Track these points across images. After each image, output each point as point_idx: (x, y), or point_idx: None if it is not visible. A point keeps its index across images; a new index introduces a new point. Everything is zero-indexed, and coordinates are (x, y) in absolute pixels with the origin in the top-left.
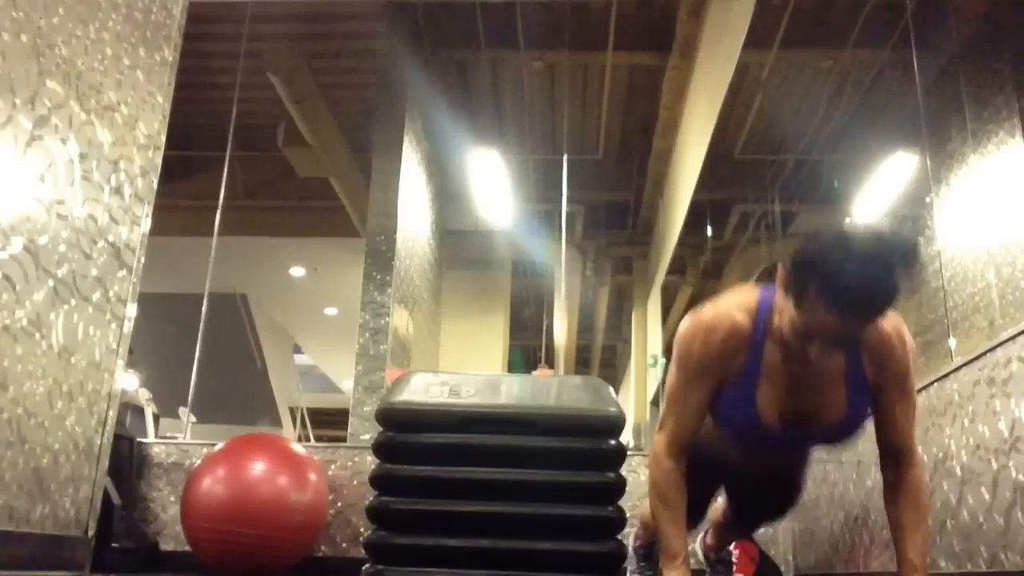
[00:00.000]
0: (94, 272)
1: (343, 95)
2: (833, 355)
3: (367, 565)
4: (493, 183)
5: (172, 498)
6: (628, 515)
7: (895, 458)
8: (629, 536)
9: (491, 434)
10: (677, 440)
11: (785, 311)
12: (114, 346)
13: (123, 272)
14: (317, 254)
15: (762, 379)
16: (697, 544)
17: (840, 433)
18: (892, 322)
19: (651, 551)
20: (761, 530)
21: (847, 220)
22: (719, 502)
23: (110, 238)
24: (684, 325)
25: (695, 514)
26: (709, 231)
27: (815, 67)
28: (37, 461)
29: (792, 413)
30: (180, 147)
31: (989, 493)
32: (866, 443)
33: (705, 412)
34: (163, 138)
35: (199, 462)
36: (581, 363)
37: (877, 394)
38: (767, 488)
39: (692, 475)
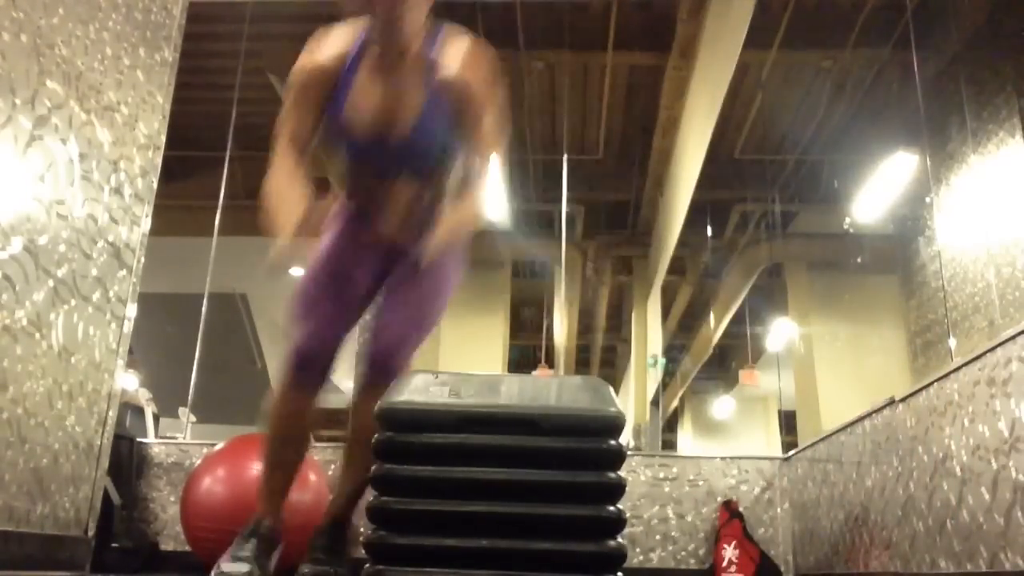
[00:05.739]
0: (94, 272)
1: None
2: (409, 65)
3: (367, 565)
4: (493, 183)
5: (172, 498)
6: (628, 515)
7: (466, 173)
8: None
9: (491, 434)
10: (290, 140)
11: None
12: (114, 346)
13: (123, 272)
14: None
15: (354, 88)
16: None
17: (414, 144)
18: (467, 41)
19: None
20: (761, 530)
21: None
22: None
23: (110, 238)
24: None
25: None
26: (709, 231)
27: (815, 67)
28: (37, 461)
29: (374, 120)
30: (180, 147)
31: (989, 493)
32: (865, 443)
33: (312, 118)
34: (163, 138)
35: (199, 462)
36: (581, 363)
37: (459, 106)
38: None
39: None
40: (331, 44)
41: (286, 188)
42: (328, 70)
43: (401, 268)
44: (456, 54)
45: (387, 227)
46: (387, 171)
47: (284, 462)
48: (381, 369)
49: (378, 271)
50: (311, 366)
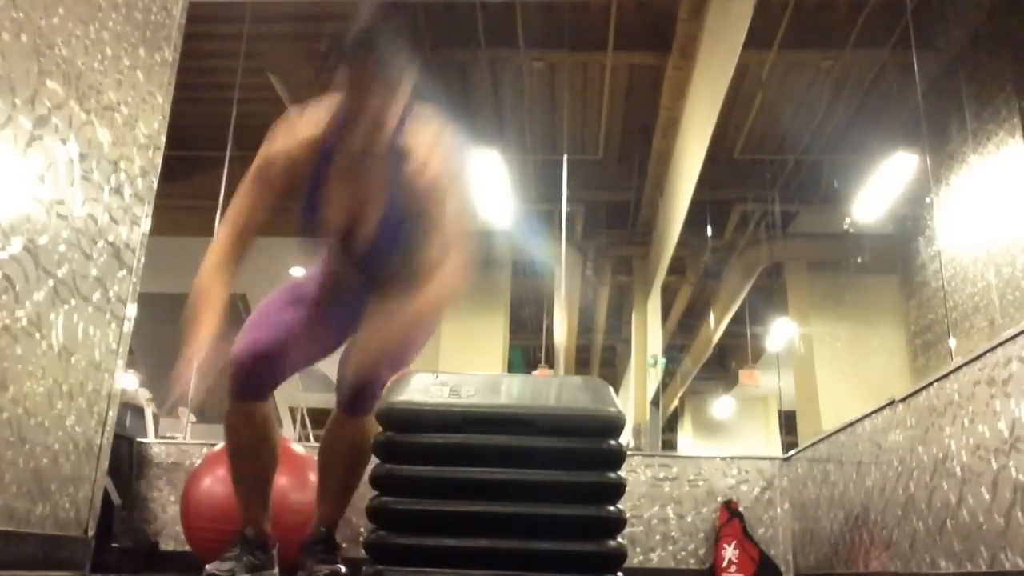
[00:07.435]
0: (94, 272)
1: None
2: (379, 157)
3: (367, 565)
4: (493, 183)
5: (172, 498)
6: (628, 515)
7: (442, 252)
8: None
9: (491, 434)
10: (239, 230)
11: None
12: (114, 346)
13: (123, 272)
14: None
15: (326, 182)
16: None
17: (380, 238)
18: (434, 127)
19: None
20: (761, 530)
21: (847, 219)
22: None
23: (110, 238)
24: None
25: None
26: (709, 231)
27: (815, 67)
28: (37, 461)
29: (343, 216)
30: (180, 147)
31: (989, 493)
32: (866, 443)
33: (269, 210)
34: (163, 138)
35: (199, 462)
36: (581, 363)
37: (424, 194)
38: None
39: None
40: (304, 132)
41: (211, 289)
42: (300, 162)
43: (379, 303)
44: (423, 142)
45: (359, 282)
46: (355, 256)
47: (247, 474)
48: (349, 397)
49: (342, 319)
50: (249, 375)
